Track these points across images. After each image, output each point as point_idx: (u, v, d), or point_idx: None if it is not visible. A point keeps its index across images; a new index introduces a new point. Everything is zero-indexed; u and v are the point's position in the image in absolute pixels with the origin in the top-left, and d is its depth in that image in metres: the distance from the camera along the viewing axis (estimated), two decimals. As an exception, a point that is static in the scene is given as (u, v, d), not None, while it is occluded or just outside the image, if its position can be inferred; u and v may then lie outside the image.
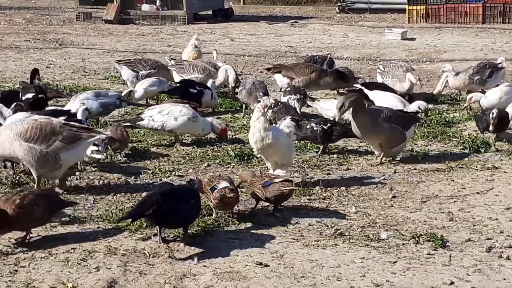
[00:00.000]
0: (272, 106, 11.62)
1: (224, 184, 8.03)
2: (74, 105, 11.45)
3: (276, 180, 8.25)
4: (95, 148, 9.34)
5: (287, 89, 12.60)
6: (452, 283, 6.73)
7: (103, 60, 18.04)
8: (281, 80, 13.89)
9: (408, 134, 10.25)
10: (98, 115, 11.81)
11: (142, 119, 10.84)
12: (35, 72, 13.25)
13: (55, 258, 7.13)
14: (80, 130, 8.63)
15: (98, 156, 9.48)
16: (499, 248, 7.48)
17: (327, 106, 11.83)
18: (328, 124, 10.53)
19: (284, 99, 12.08)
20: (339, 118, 10.12)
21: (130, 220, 7.44)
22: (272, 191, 8.18)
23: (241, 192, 8.52)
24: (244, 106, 12.83)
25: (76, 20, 25.10)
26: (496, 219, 8.30)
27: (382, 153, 10.16)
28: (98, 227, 7.86)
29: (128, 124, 10.91)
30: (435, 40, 21.28)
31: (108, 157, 9.97)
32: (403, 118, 10.21)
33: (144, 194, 8.33)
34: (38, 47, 19.84)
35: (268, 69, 14.49)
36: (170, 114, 10.79)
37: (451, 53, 19.10)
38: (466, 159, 10.49)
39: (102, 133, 8.87)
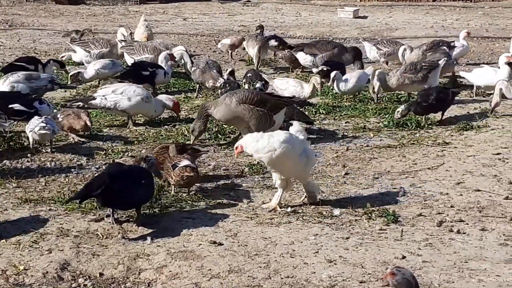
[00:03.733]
0: (221, 86, 11.68)
1: (185, 162, 8.04)
2: (3, 87, 11.23)
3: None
4: (43, 125, 9.28)
5: (247, 75, 12.58)
6: (404, 257, 6.82)
7: (54, 41, 17.79)
8: (304, 58, 13.97)
9: (276, 117, 9.81)
10: None
11: (94, 98, 10.73)
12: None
13: (6, 241, 7.06)
14: None
15: (44, 132, 9.37)
16: (449, 222, 7.60)
17: (282, 85, 11.85)
18: None
19: (245, 86, 12.08)
20: (193, 143, 9.75)
21: (79, 201, 7.35)
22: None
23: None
24: (197, 86, 12.79)
25: (26, 1, 24.67)
26: (447, 193, 8.42)
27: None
28: (50, 209, 7.79)
29: (80, 104, 10.79)
30: (387, 18, 21.40)
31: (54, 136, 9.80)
32: (268, 101, 9.76)
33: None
34: (-13, 29, 19.50)
35: (291, 48, 14.43)
36: (124, 94, 10.71)
37: (402, 30, 19.24)
38: (418, 135, 10.61)
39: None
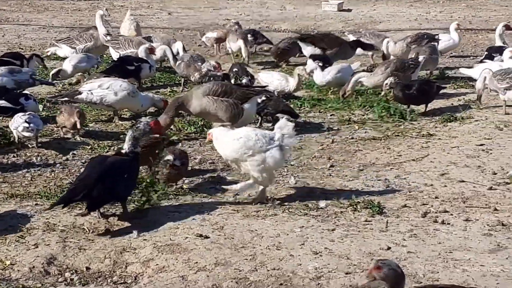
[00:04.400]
0: (206, 79, 11.72)
1: (169, 157, 8.05)
2: None
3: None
4: (26, 125, 9.28)
5: (233, 70, 12.59)
6: (388, 248, 6.87)
7: (39, 36, 17.74)
8: (312, 51, 13.73)
9: (247, 106, 9.79)
10: None
11: (80, 93, 10.72)
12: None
13: (-8, 236, 7.07)
14: None
15: (27, 134, 9.39)
16: (434, 213, 7.66)
17: (267, 79, 11.87)
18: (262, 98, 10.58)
19: (232, 81, 12.12)
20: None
21: (62, 206, 7.36)
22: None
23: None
24: (183, 80, 12.80)
25: (10, -4, 24.56)
26: (431, 185, 8.48)
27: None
28: (36, 204, 7.79)
29: (66, 99, 10.80)
30: (371, 11, 21.45)
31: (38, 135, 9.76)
32: (234, 91, 9.73)
33: (81, 170, 8.28)
34: (-29, 24, 19.40)
35: (302, 39, 14.16)
36: (110, 89, 10.70)
37: (386, 23, 19.30)
38: (402, 127, 10.67)
39: None
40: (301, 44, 14.04)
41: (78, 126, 9.85)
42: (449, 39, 14.79)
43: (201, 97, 9.65)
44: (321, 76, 12.21)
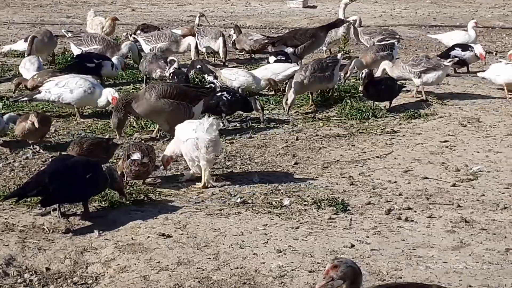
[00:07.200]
0: (170, 77, 11.64)
1: (136, 155, 7.98)
2: None
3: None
4: None
5: (196, 66, 12.51)
6: (352, 246, 6.84)
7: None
8: (287, 51, 13.55)
9: (195, 109, 9.75)
10: None
11: (39, 92, 10.57)
12: None
13: (-51, 237, 6.92)
14: None
15: None
16: (398, 210, 7.66)
17: (231, 76, 11.79)
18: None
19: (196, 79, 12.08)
20: (120, 137, 9.65)
21: (16, 199, 7.24)
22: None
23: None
24: (145, 77, 12.69)
25: (-30, -8, 24.21)
26: (395, 181, 8.48)
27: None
28: (-5, 204, 7.66)
29: (26, 98, 10.66)
30: (336, 7, 21.41)
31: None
32: (188, 93, 9.73)
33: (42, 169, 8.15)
34: None
35: (273, 44, 13.91)
36: (66, 86, 10.55)
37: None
38: (366, 124, 10.66)
39: None
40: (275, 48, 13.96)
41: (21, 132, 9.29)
42: (464, 35, 14.78)
43: (155, 99, 9.49)
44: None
